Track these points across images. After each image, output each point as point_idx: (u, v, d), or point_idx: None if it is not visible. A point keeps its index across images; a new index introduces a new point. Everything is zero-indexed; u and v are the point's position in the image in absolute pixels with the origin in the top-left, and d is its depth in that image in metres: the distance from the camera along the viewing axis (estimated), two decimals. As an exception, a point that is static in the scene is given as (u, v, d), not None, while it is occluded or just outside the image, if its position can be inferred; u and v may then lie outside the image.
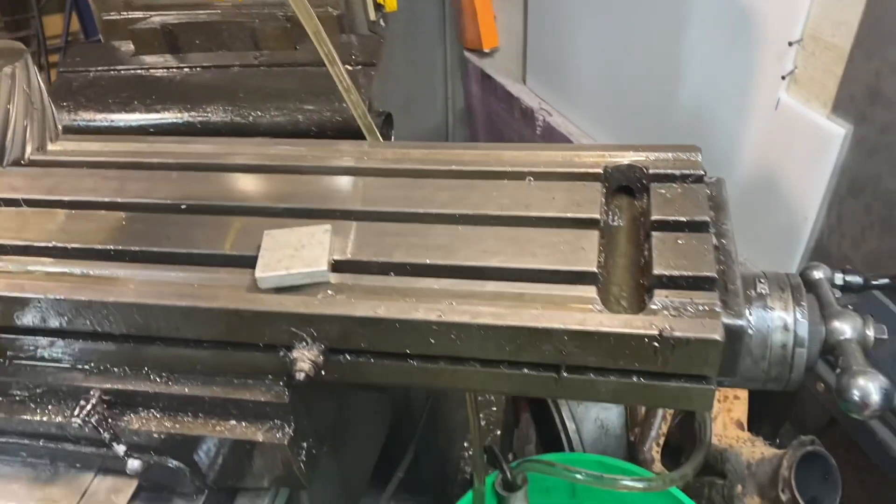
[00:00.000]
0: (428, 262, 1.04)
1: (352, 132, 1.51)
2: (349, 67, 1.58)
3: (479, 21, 3.54)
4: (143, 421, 1.08)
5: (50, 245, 1.13)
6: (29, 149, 1.02)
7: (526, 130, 3.45)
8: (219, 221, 1.16)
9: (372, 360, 1.01)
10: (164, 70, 1.68)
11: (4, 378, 1.12)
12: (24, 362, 1.12)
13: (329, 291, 1.01)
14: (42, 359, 1.12)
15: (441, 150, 1.28)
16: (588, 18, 2.92)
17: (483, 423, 3.06)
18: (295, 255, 1.03)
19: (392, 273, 1.04)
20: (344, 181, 1.24)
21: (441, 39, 2.34)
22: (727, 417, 2.45)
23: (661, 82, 2.60)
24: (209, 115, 1.60)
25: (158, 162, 1.33)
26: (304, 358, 0.98)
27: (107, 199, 1.23)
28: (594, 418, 2.70)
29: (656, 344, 0.88)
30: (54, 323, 1.07)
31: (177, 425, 1.08)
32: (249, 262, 1.07)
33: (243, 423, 1.06)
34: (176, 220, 1.17)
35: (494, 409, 2.94)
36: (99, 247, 1.13)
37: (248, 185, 1.25)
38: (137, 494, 1.11)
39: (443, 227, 1.11)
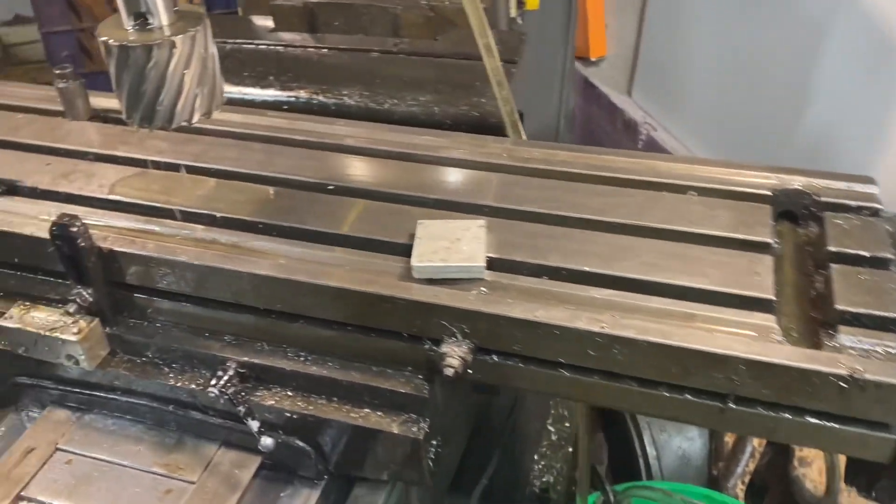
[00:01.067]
0: (586, 269, 1.00)
1: (487, 128, 1.49)
2: (490, 62, 1.56)
3: (589, 28, 3.50)
4: (277, 398, 1.08)
5: (200, 212, 1.14)
6: (196, 116, 1.02)
7: (627, 143, 3.39)
8: (367, 205, 1.15)
9: (521, 364, 0.98)
10: (302, 48, 1.69)
11: (142, 338, 1.13)
12: (162, 325, 1.13)
13: (483, 289, 0.99)
14: (181, 324, 1.12)
15: (591, 155, 1.24)
16: (711, 31, 2.84)
17: (555, 437, 3.02)
18: (451, 247, 1.01)
19: (545, 277, 1.01)
20: (491, 177, 1.21)
21: (564, 43, 2.31)
22: (823, 464, 2.35)
23: (786, 102, 2.50)
24: (344, 98, 1.60)
25: (302, 139, 1.33)
26: (454, 354, 0.96)
27: (253, 172, 1.24)
28: (676, 447, 2.63)
29: (843, 385, 0.83)
30: (198, 290, 1.08)
31: (310, 407, 1.07)
32: (399, 250, 1.06)
33: (378, 413, 1.05)
34: (324, 200, 1.17)
35: (567, 424, 2.89)
36: (248, 218, 1.13)
37: (393, 173, 1.24)
38: (259, 471, 1.11)
39: (598, 234, 1.07)
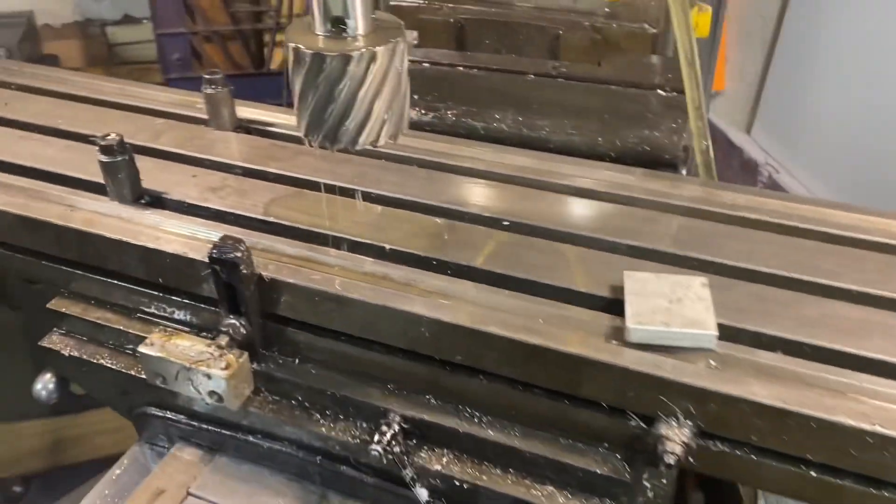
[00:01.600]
0: (836, 347, 0.85)
1: (658, 165, 1.35)
2: (662, 93, 1.42)
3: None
4: (444, 463, 0.95)
5: (367, 242, 1.03)
6: (383, 139, 0.91)
7: (745, 184, 3.19)
8: (552, 247, 1.02)
9: (753, 456, 0.83)
10: (450, 67, 1.58)
11: (293, 378, 1.02)
12: (317, 365, 1.01)
13: (712, 361, 0.84)
14: (338, 366, 1.01)
15: (808, 206, 1.09)
16: (849, 67, 2.64)
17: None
18: (671, 308, 0.86)
19: (781, 351, 0.86)
20: (693, 224, 1.07)
21: (706, 72, 2.15)
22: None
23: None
24: (496, 122, 1.48)
25: (468, 167, 1.21)
26: (676, 438, 0.81)
27: (419, 200, 1.12)
28: (795, 521, 2.41)
29: None
30: (365, 330, 0.96)
31: (483, 477, 0.94)
32: (599, 303, 0.92)
33: (564, 493, 0.91)
34: (502, 238, 1.04)
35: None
36: (421, 253, 1.01)
37: (577, 211, 1.10)
38: (413, 541, 0.98)
39: (837, 302, 0.92)
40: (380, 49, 0.85)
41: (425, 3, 1.65)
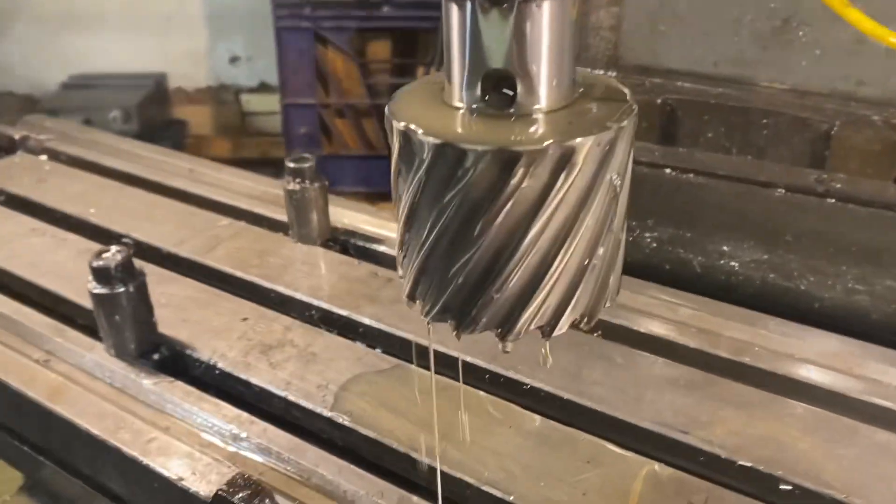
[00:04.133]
0: None
1: None
2: None
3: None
4: None
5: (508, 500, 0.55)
6: (566, 323, 0.44)
7: None
8: None
9: None
10: (650, 166, 1.10)
11: None
12: None
13: None
14: None
15: None
16: None
17: None
18: None
19: None
20: None
21: None
22: None
23: None
24: (723, 258, 0.99)
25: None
26: None
27: (625, 419, 0.63)
28: None
29: None
30: None
31: None
32: None
33: None
34: None
35: None
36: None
37: None
38: None
39: None
40: (584, 142, 0.40)
41: (618, 75, 1.19)
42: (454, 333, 0.47)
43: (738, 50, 1.09)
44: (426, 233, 0.44)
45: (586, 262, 0.45)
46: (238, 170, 1.12)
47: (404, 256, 0.48)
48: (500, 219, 0.42)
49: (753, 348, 0.73)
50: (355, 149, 2.97)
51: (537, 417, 0.64)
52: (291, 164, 0.87)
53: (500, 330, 0.46)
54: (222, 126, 3.54)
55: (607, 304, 0.48)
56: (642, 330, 0.76)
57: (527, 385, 0.68)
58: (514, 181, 0.40)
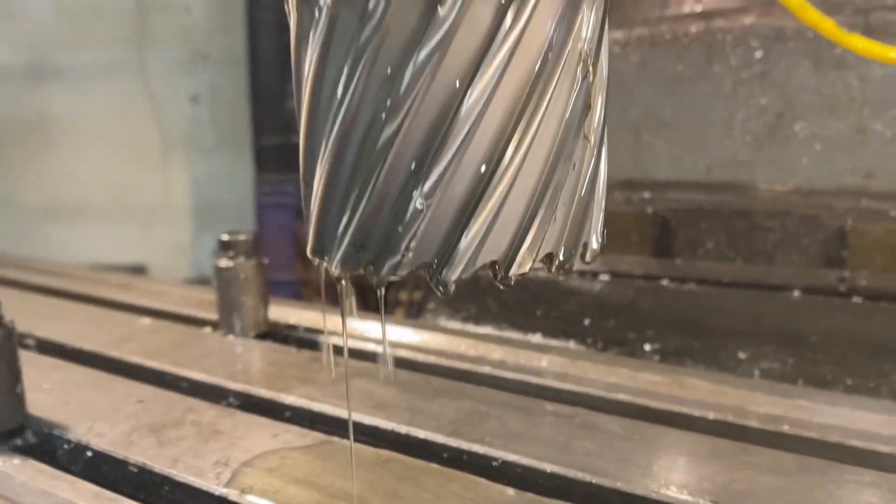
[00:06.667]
0: None
1: None
2: None
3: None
4: None
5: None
6: (528, 261, 0.31)
7: None
8: None
9: None
10: (646, 279, 0.99)
11: None
12: None
13: None
14: None
15: None
16: None
17: None
18: None
19: None
20: None
21: None
22: None
23: None
24: (739, 363, 0.85)
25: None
26: None
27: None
28: None
29: None
30: None
31: None
32: None
33: None
34: None
35: None
36: None
37: None
38: None
39: None
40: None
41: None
42: (374, 282, 0.34)
43: (731, 153, 1.03)
44: (332, 123, 0.33)
45: (551, 168, 0.33)
46: (186, 285, 1.01)
47: (306, 185, 0.36)
48: (425, 77, 0.30)
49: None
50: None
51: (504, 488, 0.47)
52: (224, 238, 0.76)
53: (435, 264, 0.33)
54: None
55: (593, 245, 0.36)
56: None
57: (497, 461, 0.52)
58: (440, 16, 0.30)
